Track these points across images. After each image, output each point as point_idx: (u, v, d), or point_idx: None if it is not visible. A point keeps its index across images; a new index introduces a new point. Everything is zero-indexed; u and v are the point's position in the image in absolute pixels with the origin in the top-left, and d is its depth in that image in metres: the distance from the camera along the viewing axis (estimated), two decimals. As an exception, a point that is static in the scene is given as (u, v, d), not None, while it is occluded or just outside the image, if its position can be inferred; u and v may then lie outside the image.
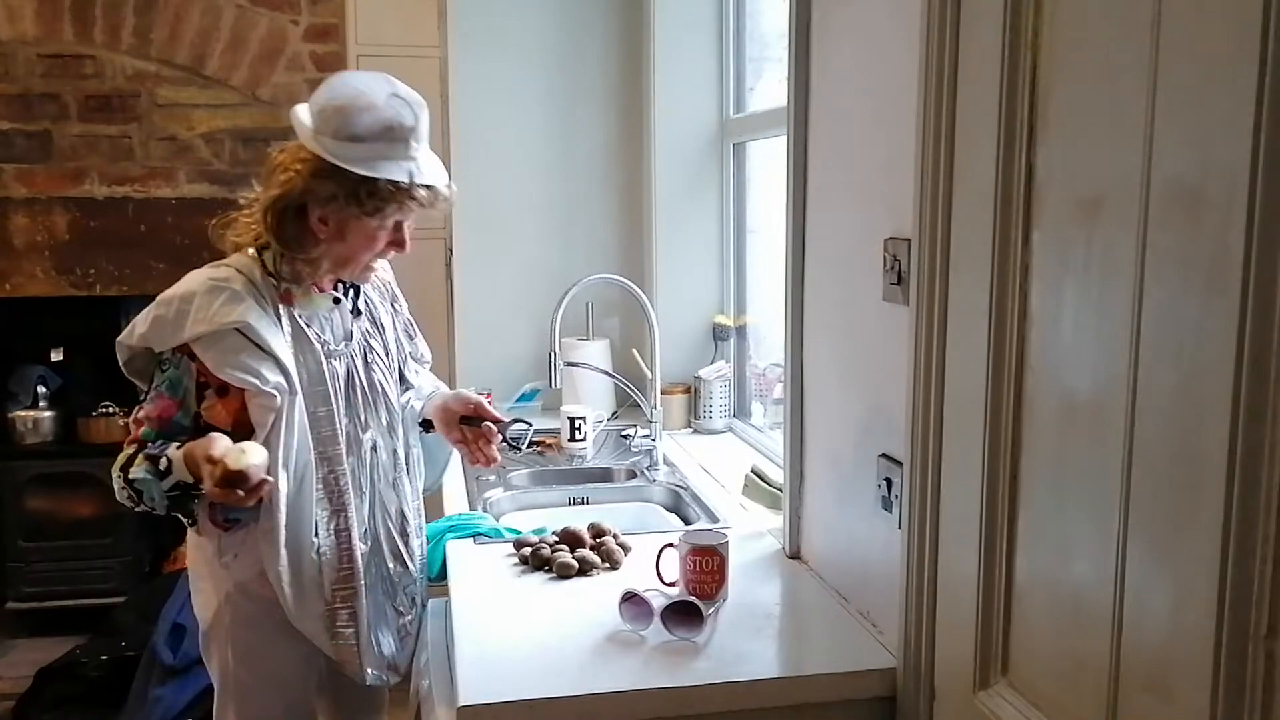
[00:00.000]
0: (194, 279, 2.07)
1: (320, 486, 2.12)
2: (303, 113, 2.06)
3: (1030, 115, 1.37)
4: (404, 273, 2.50)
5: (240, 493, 1.90)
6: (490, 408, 2.39)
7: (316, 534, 2.12)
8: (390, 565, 2.26)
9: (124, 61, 3.76)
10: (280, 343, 2.06)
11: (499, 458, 2.43)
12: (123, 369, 2.16)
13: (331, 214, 2.04)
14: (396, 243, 2.13)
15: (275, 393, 2.02)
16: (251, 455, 1.92)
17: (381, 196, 2.02)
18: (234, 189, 3.81)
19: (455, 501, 2.73)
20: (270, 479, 1.96)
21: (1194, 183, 1.08)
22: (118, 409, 4.23)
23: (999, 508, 1.47)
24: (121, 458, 2.04)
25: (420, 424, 2.43)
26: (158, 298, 2.06)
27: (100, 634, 3.70)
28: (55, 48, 3.73)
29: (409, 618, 2.32)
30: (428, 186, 2.06)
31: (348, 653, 2.19)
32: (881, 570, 1.85)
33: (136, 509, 2.07)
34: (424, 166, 2.07)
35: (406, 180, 2.02)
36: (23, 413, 4.20)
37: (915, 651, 1.71)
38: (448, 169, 3.54)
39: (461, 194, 3.64)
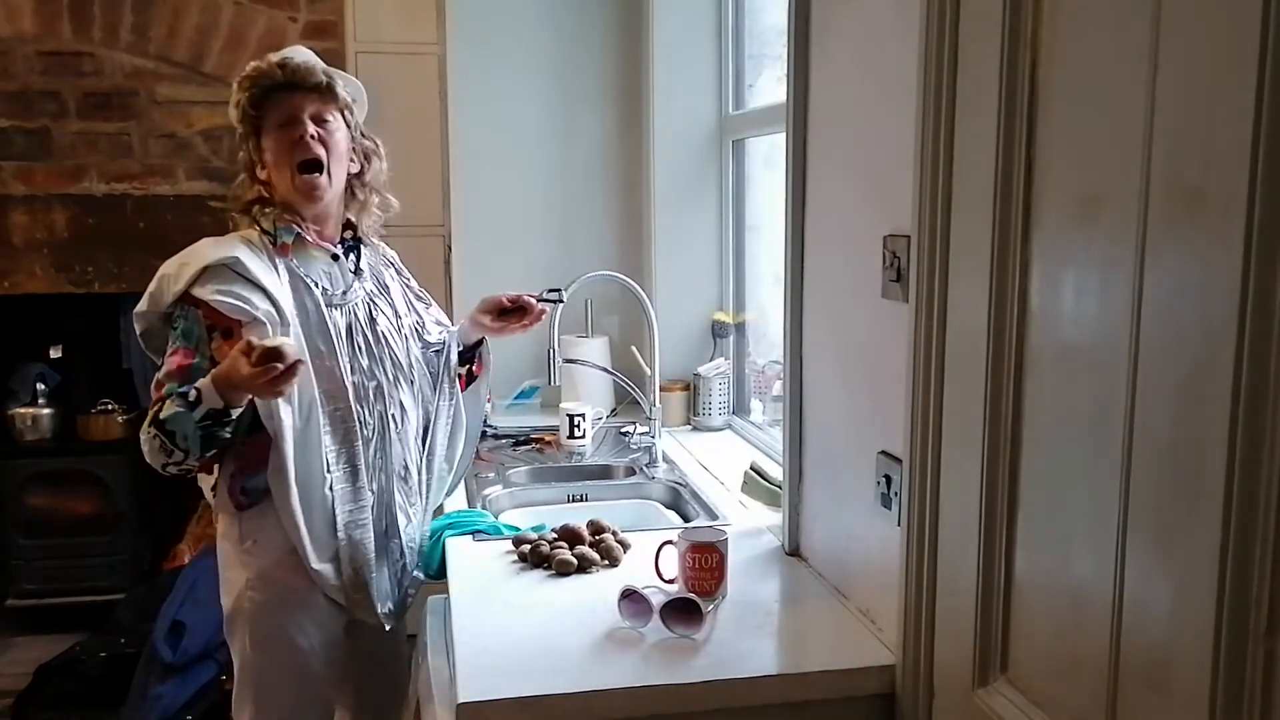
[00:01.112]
0: (197, 243, 2.19)
1: (327, 423, 2.18)
2: None
3: (1030, 112, 1.37)
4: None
5: (279, 367, 1.93)
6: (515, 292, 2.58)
7: (328, 469, 2.18)
8: (395, 508, 2.32)
9: (123, 59, 3.76)
10: (273, 281, 2.16)
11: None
12: (142, 345, 2.23)
13: (253, 144, 2.23)
14: (294, 140, 2.19)
15: (265, 321, 2.09)
16: (284, 339, 2.01)
17: (244, 85, 2.21)
18: (232, 185, 3.82)
19: (455, 499, 2.73)
20: (304, 360, 2.04)
21: (1194, 179, 1.08)
22: (117, 406, 4.23)
23: (998, 505, 1.47)
24: (149, 417, 2.06)
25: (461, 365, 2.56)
26: (166, 262, 2.18)
27: (100, 631, 3.71)
28: (54, 45, 3.73)
29: (403, 562, 2.36)
30: (275, 60, 2.21)
31: (355, 592, 2.25)
32: (880, 567, 1.85)
33: (168, 466, 2.07)
34: (290, 55, 2.24)
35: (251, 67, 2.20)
36: (22, 410, 4.21)
37: (914, 649, 1.71)
38: (446, 166, 3.56)
39: (460, 190, 3.69)
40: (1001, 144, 1.41)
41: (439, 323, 2.58)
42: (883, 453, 1.84)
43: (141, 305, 2.18)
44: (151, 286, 2.16)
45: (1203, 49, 1.07)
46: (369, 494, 2.25)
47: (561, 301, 2.72)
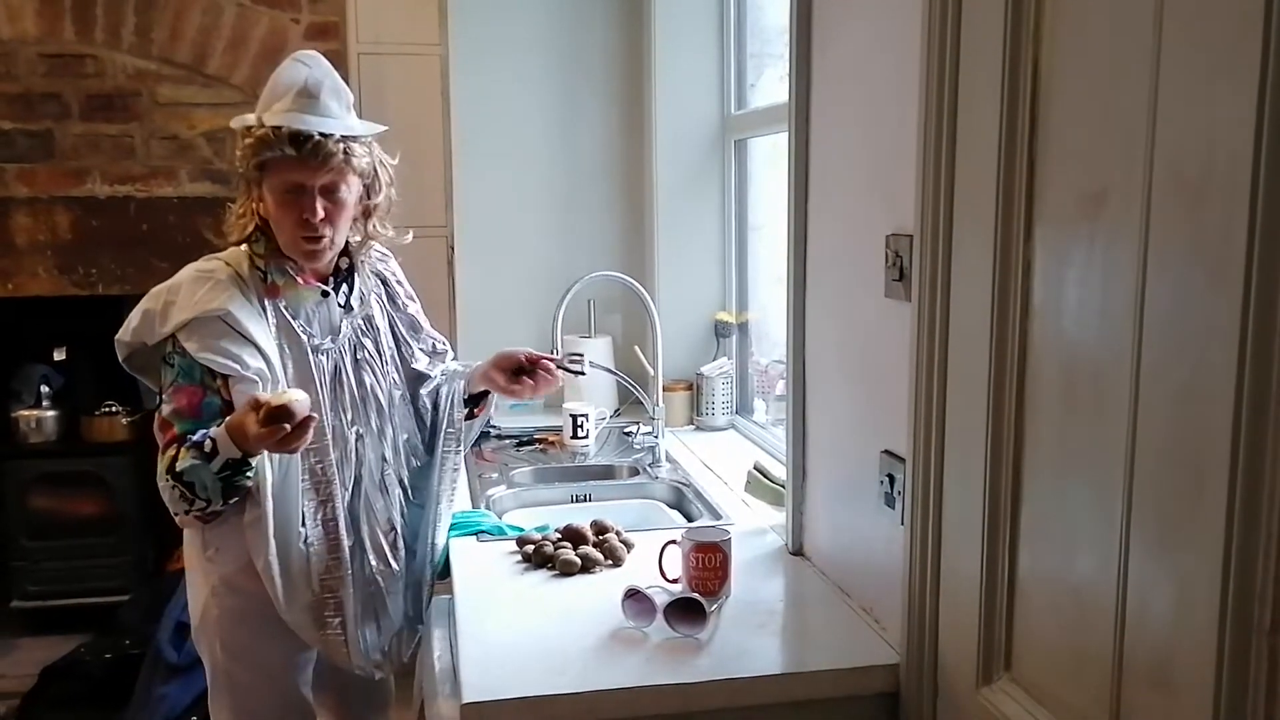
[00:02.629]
0: (183, 271, 2.12)
1: (307, 476, 2.13)
2: None
3: (1032, 110, 1.37)
4: (406, 270, 2.51)
5: (288, 427, 1.87)
6: (537, 353, 2.43)
7: (304, 524, 2.13)
8: (374, 563, 2.25)
9: (125, 60, 3.76)
10: (263, 331, 2.08)
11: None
12: (123, 365, 2.19)
13: (259, 189, 2.09)
14: (299, 214, 2.07)
15: (256, 378, 2.02)
16: (292, 393, 1.92)
17: (250, 151, 2.05)
18: (235, 188, 3.81)
19: (458, 499, 2.73)
20: (315, 416, 1.94)
21: (1196, 176, 1.08)
22: (120, 408, 4.23)
23: (1001, 503, 1.47)
24: (164, 462, 2.03)
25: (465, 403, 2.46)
26: (150, 292, 2.11)
27: (104, 632, 3.71)
28: (56, 47, 3.73)
29: (394, 618, 2.30)
30: (276, 128, 2.03)
31: (334, 644, 2.20)
32: (884, 566, 1.85)
33: (190, 511, 2.04)
34: (306, 118, 2.04)
35: (253, 123, 2.05)
36: (26, 412, 4.20)
37: (918, 647, 1.71)
38: (449, 167, 3.55)
39: (462, 191, 3.69)
40: (1004, 143, 1.41)
41: (430, 353, 2.45)
42: (886, 452, 1.84)
43: (124, 335, 2.14)
44: (134, 320, 2.10)
45: (1205, 47, 1.07)
46: (346, 548, 2.18)
47: (583, 374, 2.66)
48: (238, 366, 2.01)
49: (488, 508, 2.70)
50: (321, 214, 2.07)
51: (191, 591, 2.24)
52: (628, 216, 3.87)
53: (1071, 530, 1.34)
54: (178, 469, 1.99)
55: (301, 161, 2.04)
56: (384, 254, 2.41)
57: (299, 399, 1.90)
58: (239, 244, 2.16)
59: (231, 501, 2.04)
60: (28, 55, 3.72)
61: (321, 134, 2.04)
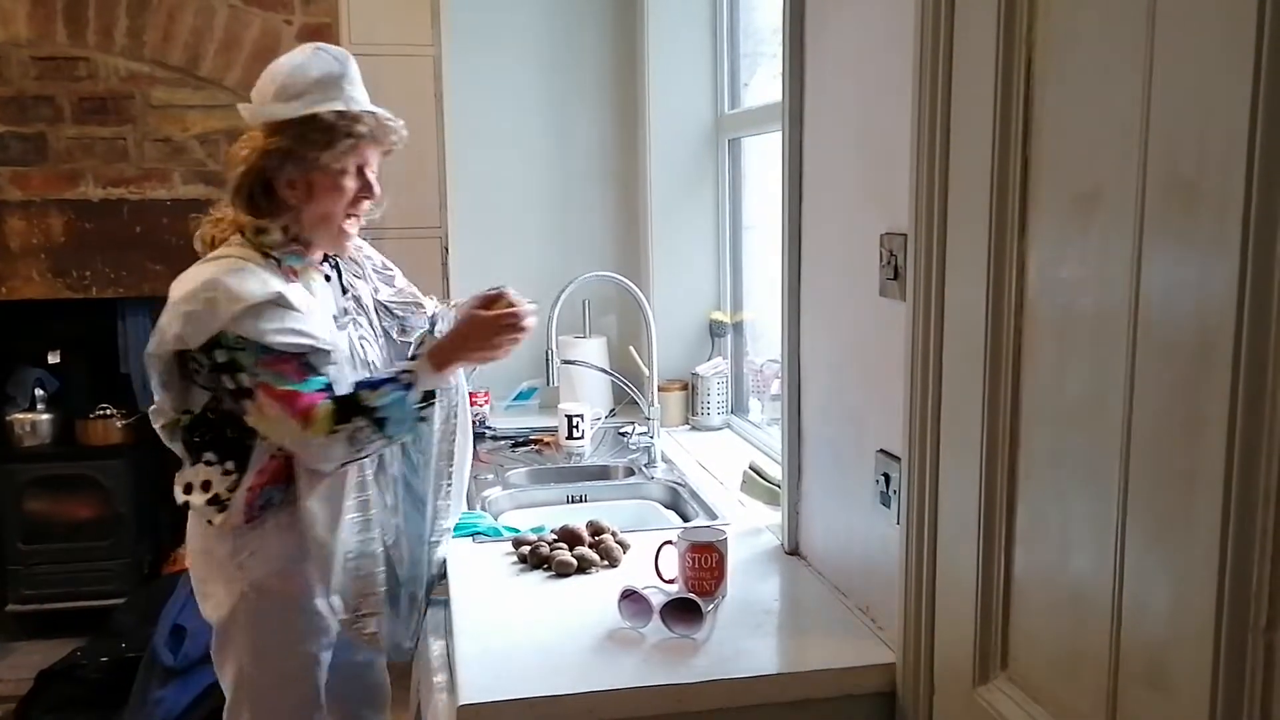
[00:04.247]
0: (203, 271, 2.07)
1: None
2: (249, 99, 2.15)
3: (1025, 109, 1.37)
4: (400, 269, 2.51)
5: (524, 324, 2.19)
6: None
7: (345, 497, 2.19)
8: (398, 537, 2.30)
9: (117, 63, 3.76)
10: (312, 307, 2.13)
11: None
12: (155, 376, 2.15)
13: (295, 174, 2.10)
14: (364, 189, 2.17)
15: (330, 348, 2.10)
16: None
17: (327, 127, 2.08)
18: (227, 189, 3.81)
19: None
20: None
21: (1190, 175, 1.08)
22: (115, 410, 4.23)
23: (997, 502, 1.47)
24: (320, 419, 2.03)
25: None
26: (175, 299, 2.06)
27: (100, 636, 3.70)
28: (49, 50, 3.72)
29: (414, 589, 2.33)
30: (369, 112, 2.13)
31: (367, 626, 2.24)
32: (880, 566, 1.85)
33: (364, 450, 2.09)
34: (362, 101, 2.15)
35: (345, 107, 2.11)
36: (21, 415, 4.20)
37: (915, 646, 1.71)
38: (442, 167, 3.56)
39: (456, 192, 3.69)
40: (998, 141, 1.41)
41: (414, 296, 2.47)
42: (881, 451, 1.84)
43: (163, 346, 2.08)
44: (174, 327, 2.05)
45: (1198, 44, 1.07)
46: (376, 523, 2.23)
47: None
48: (312, 341, 2.06)
49: (483, 509, 2.70)
50: (379, 194, 2.20)
51: (211, 602, 2.23)
52: (622, 216, 3.87)
53: (1067, 529, 1.34)
54: (374, 404, 2.05)
55: (375, 142, 2.15)
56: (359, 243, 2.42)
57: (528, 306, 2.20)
58: (227, 240, 2.16)
59: (406, 436, 2.17)
60: (20, 58, 3.72)
61: (393, 117, 2.18)
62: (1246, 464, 1.01)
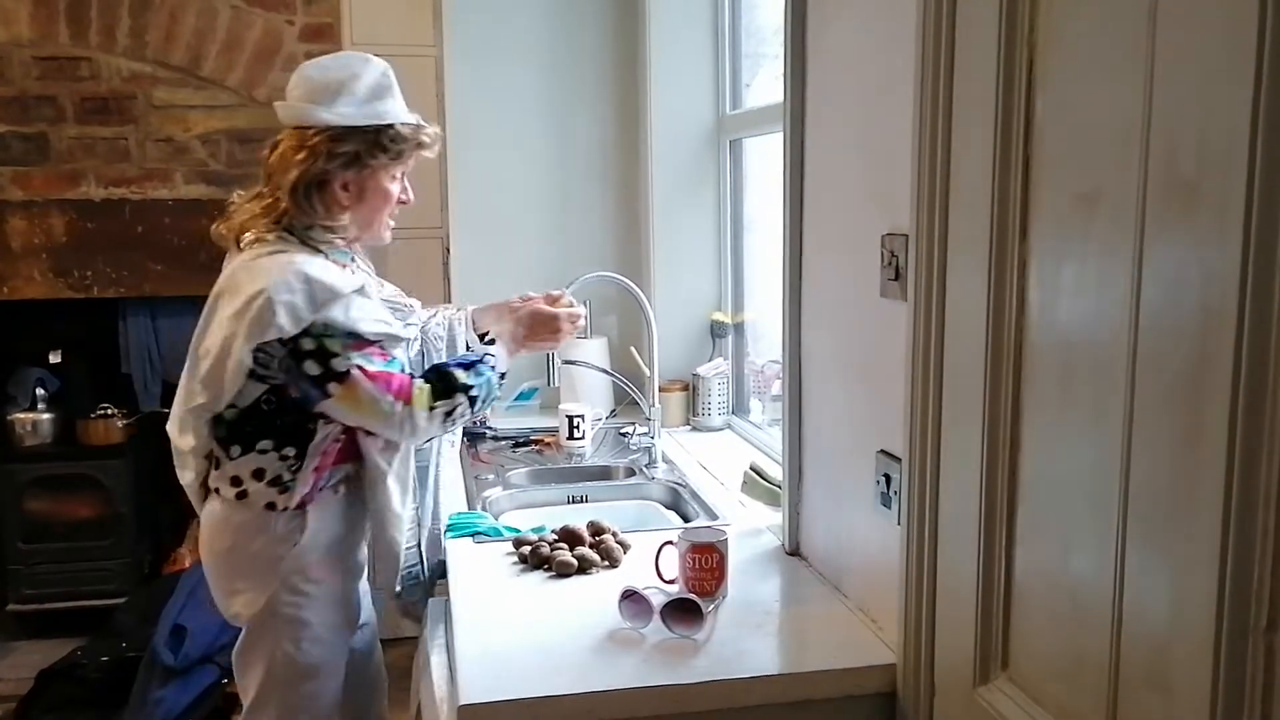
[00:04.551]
0: (280, 263, 2.11)
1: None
2: (299, 101, 2.18)
3: (1027, 109, 1.37)
4: (401, 272, 2.53)
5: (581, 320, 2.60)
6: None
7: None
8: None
9: (120, 63, 3.76)
10: (377, 296, 2.29)
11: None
12: (211, 376, 2.13)
13: (353, 178, 2.20)
14: (404, 192, 2.33)
15: (404, 337, 2.27)
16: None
17: (401, 139, 2.23)
18: (231, 190, 3.80)
19: (454, 501, 2.73)
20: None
21: (1190, 175, 1.08)
22: (116, 410, 4.23)
23: (998, 503, 1.47)
24: (421, 397, 2.18)
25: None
26: (268, 290, 2.05)
27: (101, 636, 3.71)
28: (51, 50, 3.73)
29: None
30: (432, 127, 2.31)
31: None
32: (881, 566, 1.85)
33: (450, 429, 2.31)
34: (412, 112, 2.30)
35: (414, 121, 2.26)
36: (21, 415, 4.20)
37: (915, 647, 1.71)
38: (444, 168, 3.56)
39: (458, 193, 3.70)
40: (999, 142, 1.41)
41: (405, 303, 2.55)
42: (882, 451, 1.84)
43: (263, 335, 2.07)
44: (278, 318, 2.05)
45: (1199, 44, 1.07)
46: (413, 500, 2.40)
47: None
48: (390, 328, 2.20)
49: (484, 509, 2.70)
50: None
51: (244, 599, 2.23)
52: (623, 217, 3.87)
53: (1068, 529, 1.34)
54: (470, 383, 2.25)
55: (429, 151, 2.33)
56: None
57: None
58: (262, 238, 2.19)
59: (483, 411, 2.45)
60: (22, 58, 3.72)
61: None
62: (1247, 464, 1.01)
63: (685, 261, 3.67)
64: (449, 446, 2.73)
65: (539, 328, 2.52)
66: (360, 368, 2.11)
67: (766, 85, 3.40)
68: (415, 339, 2.50)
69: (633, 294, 3.20)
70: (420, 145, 2.27)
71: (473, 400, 2.25)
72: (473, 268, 3.76)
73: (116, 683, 3.41)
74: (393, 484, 2.27)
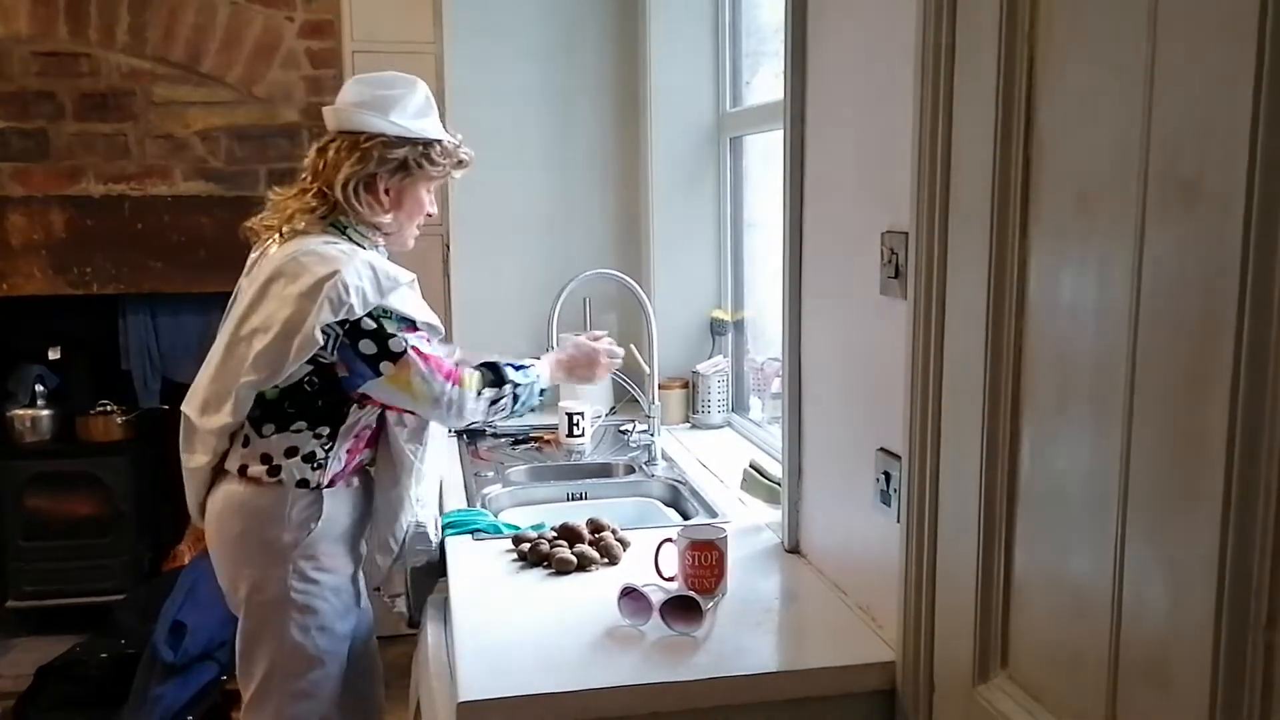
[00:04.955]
0: (346, 256, 2.24)
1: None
2: (356, 109, 2.33)
3: (1027, 107, 1.37)
4: (402, 266, 2.52)
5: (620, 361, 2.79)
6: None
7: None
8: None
9: (119, 59, 3.76)
10: None
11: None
12: (268, 357, 2.19)
13: (395, 184, 2.36)
14: (427, 206, 2.47)
15: (442, 330, 2.37)
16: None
17: (446, 154, 2.41)
18: (230, 186, 3.82)
19: (454, 498, 2.73)
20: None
21: (1191, 173, 1.08)
22: (116, 407, 4.23)
23: (997, 501, 1.47)
24: (472, 381, 2.35)
25: None
26: (341, 274, 2.17)
27: (100, 632, 3.71)
28: (50, 46, 3.73)
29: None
30: (464, 148, 2.47)
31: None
32: (880, 564, 1.85)
33: (496, 416, 2.43)
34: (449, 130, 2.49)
35: (458, 141, 2.46)
36: (21, 412, 4.20)
37: (915, 645, 1.71)
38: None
39: (458, 190, 3.69)
40: (999, 139, 1.41)
41: None
42: (882, 449, 1.84)
43: (332, 316, 2.17)
44: (352, 298, 2.18)
45: (1199, 43, 1.07)
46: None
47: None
48: (434, 321, 2.34)
49: (483, 506, 2.70)
50: None
51: (249, 585, 2.30)
52: (623, 214, 3.87)
53: (1068, 527, 1.34)
54: (519, 380, 2.43)
55: (467, 160, 2.50)
56: None
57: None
58: (307, 232, 2.31)
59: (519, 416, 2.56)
60: (21, 54, 3.73)
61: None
62: (1247, 461, 1.01)
63: (685, 259, 3.67)
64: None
65: (581, 358, 2.71)
66: (416, 349, 2.25)
67: (767, 83, 3.40)
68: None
69: (632, 291, 3.20)
70: (460, 164, 2.45)
71: (515, 397, 2.41)
72: (472, 265, 3.76)
73: (116, 680, 3.42)
74: (412, 477, 2.38)
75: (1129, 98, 1.16)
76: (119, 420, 4.24)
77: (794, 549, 2.27)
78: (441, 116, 3.57)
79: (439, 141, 2.39)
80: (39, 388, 4.22)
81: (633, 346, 3.40)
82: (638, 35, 3.71)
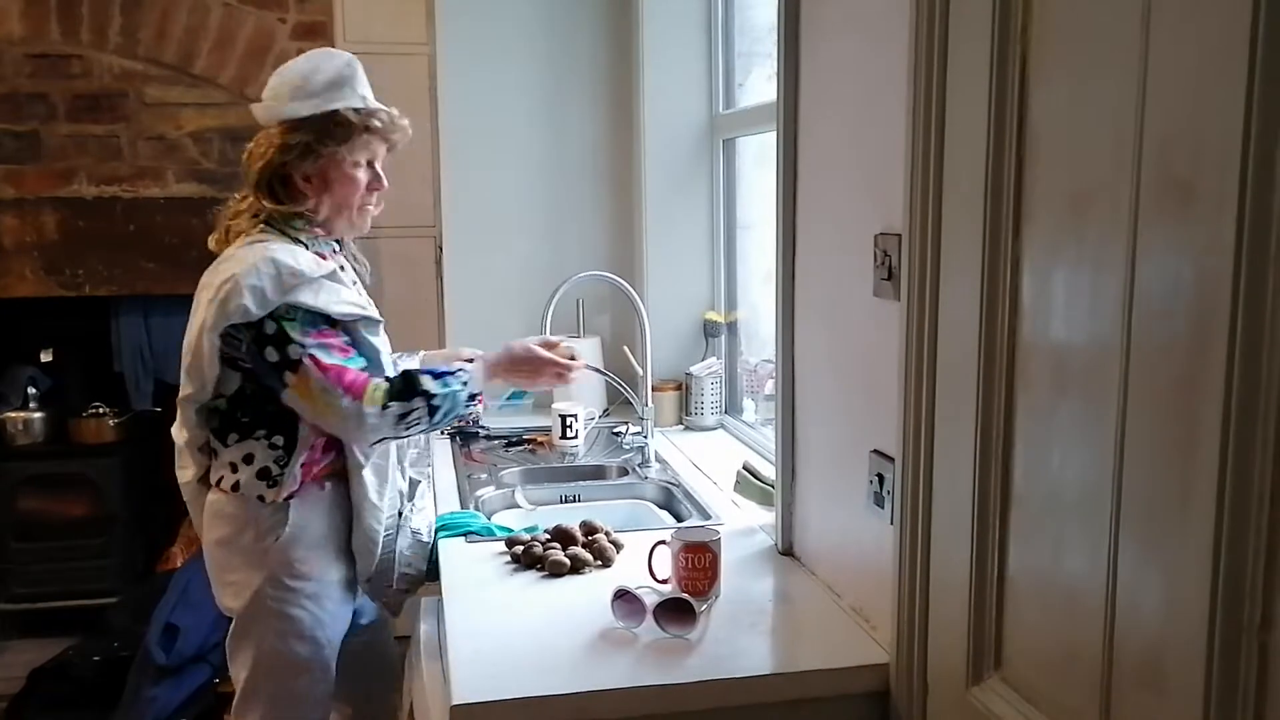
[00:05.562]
0: (254, 251, 2.15)
1: None
2: (265, 101, 2.27)
3: (1020, 108, 1.37)
4: (394, 270, 2.52)
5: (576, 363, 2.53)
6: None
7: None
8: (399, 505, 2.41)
9: (111, 61, 3.75)
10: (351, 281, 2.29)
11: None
12: (193, 365, 2.19)
13: (312, 168, 2.23)
14: (374, 180, 2.32)
15: (380, 319, 2.26)
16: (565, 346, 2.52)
17: (346, 123, 2.23)
18: (223, 188, 3.81)
19: (447, 500, 2.73)
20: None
21: (1184, 174, 1.08)
22: (108, 409, 4.22)
23: (991, 502, 1.47)
24: (374, 393, 2.15)
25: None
26: (236, 276, 2.11)
27: (93, 634, 3.70)
28: (42, 47, 3.72)
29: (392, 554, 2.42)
30: (384, 110, 2.30)
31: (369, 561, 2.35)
32: (874, 566, 1.85)
33: (408, 431, 2.24)
34: (371, 100, 2.30)
35: (361, 105, 2.26)
36: (13, 414, 4.19)
37: (908, 647, 1.71)
38: (437, 166, 3.56)
39: (450, 191, 3.69)
40: (992, 141, 1.41)
41: None
42: (875, 451, 1.84)
43: (222, 320, 2.12)
44: (239, 299, 2.10)
45: (1193, 43, 1.07)
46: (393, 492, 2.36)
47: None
48: (366, 310, 2.23)
49: (476, 508, 2.70)
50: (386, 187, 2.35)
51: (231, 589, 2.28)
52: (616, 216, 3.87)
53: (1061, 528, 1.34)
54: (434, 391, 2.20)
55: (386, 138, 2.31)
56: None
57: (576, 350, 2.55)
58: (286, 222, 2.25)
59: (442, 426, 2.34)
60: (13, 56, 3.71)
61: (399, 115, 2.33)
62: (1240, 463, 1.01)
63: (678, 260, 3.67)
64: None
65: (521, 362, 2.49)
66: (313, 357, 2.12)
67: (760, 84, 3.40)
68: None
69: (626, 293, 3.20)
70: (369, 129, 2.26)
71: (433, 409, 2.20)
72: (465, 267, 3.75)
73: (109, 682, 3.41)
74: (370, 476, 2.27)
75: (1122, 99, 1.16)
76: (111, 422, 4.23)
77: (787, 551, 2.27)
78: (434, 117, 3.60)
79: (335, 113, 2.23)
80: (31, 390, 4.21)
81: (626, 348, 3.41)
82: (631, 36, 3.72)
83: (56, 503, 4.22)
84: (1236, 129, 0.99)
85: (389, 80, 3.57)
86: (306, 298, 2.12)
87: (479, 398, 2.34)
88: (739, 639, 1.89)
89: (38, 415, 4.21)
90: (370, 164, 2.31)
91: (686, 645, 1.85)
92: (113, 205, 3.83)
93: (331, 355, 2.14)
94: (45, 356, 4.26)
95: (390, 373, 2.25)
